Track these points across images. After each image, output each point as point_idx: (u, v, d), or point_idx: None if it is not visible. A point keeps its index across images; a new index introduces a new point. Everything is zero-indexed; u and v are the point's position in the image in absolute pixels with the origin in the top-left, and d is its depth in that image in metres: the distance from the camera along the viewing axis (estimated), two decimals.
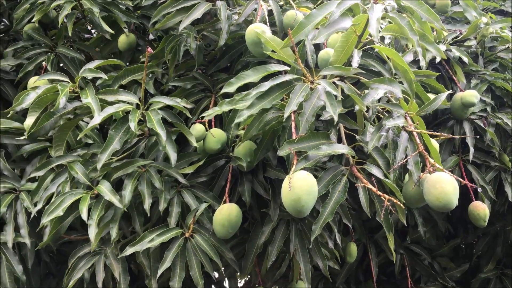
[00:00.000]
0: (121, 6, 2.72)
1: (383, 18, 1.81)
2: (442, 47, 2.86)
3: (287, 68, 1.82)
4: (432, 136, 1.89)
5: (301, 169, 1.71)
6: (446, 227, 3.13)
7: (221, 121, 2.51)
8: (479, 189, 2.15)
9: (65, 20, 2.58)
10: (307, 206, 1.65)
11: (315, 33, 1.78)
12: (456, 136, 2.03)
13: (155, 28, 2.46)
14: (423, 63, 2.68)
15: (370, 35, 1.77)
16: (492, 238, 3.34)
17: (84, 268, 2.26)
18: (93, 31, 3.12)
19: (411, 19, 1.89)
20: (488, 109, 2.84)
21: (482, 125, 2.80)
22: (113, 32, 2.68)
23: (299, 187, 1.64)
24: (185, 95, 2.51)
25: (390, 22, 1.94)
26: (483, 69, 2.94)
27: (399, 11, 1.90)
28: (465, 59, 2.84)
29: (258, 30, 1.86)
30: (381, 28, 2.22)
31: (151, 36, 2.98)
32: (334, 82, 1.79)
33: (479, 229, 3.27)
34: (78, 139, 2.43)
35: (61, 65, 2.76)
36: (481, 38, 2.98)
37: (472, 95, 2.69)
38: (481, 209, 2.42)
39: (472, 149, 2.69)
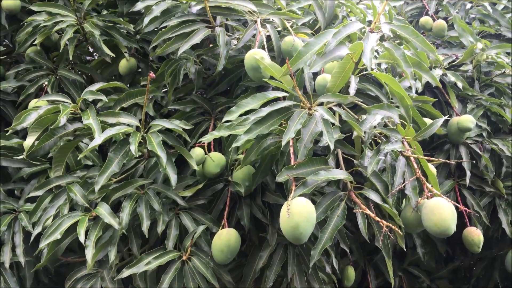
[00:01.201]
0: (122, 31, 2.76)
1: (379, 45, 1.84)
2: (438, 72, 2.90)
3: (286, 94, 1.85)
4: (429, 161, 1.90)
5: (300, 195, 1.71)
6: (445, 249, 3.13)
7: (220, 144, 2.53)
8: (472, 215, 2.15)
9: (67, 43, 2.62)
10: (305, 233, 1.65)
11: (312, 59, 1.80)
12: (453, 161, 2.04)
13: (155, 54, 2.50)
14: (419, 85, 2.73)
15: None
16: (490, 262, 3.33)
17: None
18: (94, 53, 3.15)
19: (406, 46, 1.93)
20: (484, 134, 2.87)
21: (478, 150, 2.82)
22: (113, 55, 2.71)
23: (298, 214, 1.63)
24: (185, 118, 2.52)
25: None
26: (479, 93, 2.98)
27: (395, 38, 1.93)
28: (460, 84, 2.88)
29: (257, 56, 1.88)
30: (378, 55, 2.27)
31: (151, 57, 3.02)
32: (331, 108, 1.82)
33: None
34: (78, 159, 2.44)
35: (62, 87, 2.78)
36: (477, 63, 3.03)
37: (468, 120, 2.72)
38: (476, 235, 2.43)
39: (468, 174, 2.71)
